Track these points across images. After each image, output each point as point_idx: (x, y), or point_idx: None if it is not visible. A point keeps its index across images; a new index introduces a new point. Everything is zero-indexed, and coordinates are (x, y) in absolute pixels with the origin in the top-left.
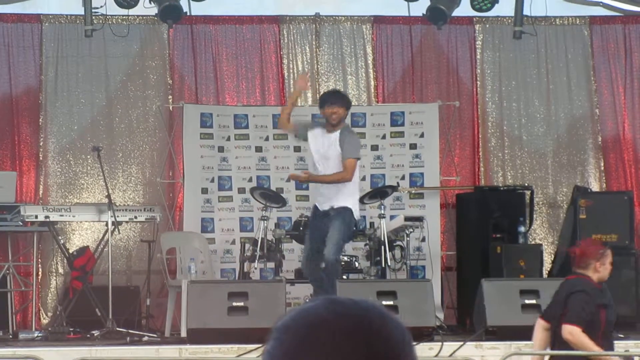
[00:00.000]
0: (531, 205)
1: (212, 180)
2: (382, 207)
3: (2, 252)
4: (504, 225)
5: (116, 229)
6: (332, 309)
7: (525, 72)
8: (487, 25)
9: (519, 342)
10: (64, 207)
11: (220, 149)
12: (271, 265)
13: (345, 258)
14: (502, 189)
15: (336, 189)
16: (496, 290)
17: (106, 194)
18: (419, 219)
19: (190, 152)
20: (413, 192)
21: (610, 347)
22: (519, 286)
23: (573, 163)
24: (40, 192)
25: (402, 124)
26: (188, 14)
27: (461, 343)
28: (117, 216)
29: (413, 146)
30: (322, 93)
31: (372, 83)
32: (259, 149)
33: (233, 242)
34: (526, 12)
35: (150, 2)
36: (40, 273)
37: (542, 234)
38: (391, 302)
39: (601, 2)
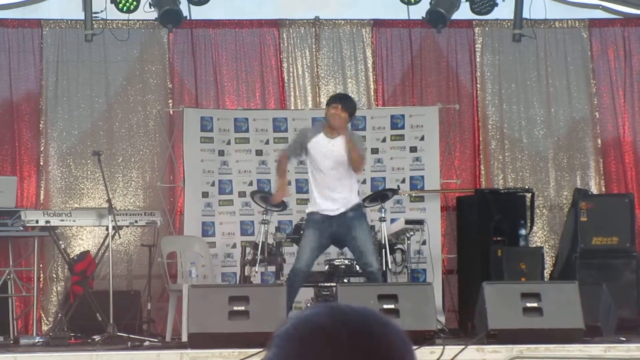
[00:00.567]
0: (532, 208)
1: (213, 184)
2: (383, 210)
3: (2, 257)
4: (505, 228)
5: (117, 234)
6: (333, 316)
7: (525, 75)
8: (487, 28)
9: (520, 346)
10: (64, 212)
11: (221, 153)
12: (272, 269)
13: (346, 262)
14: (502, 191)
15: (348, 190)
16: (497, 293)
17: (107, 198)
18: (420, 222)
19: (190, 156)
20: (413, 195)
21: None
22: (520, 289)
23: (573, 166)
24: (41, 197)
25: (402, 127)
26: (188, 18)
27: (462, 347)
28: (118, 221)
29: (413, 149)
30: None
31: (372, 86)
32: (259, 153)
33: (234, 246)
34: (525, 15)
35: (150, 7)
36: (41, 278)
37: (543, 236)
38: (392, 306)
39: (600, 5)
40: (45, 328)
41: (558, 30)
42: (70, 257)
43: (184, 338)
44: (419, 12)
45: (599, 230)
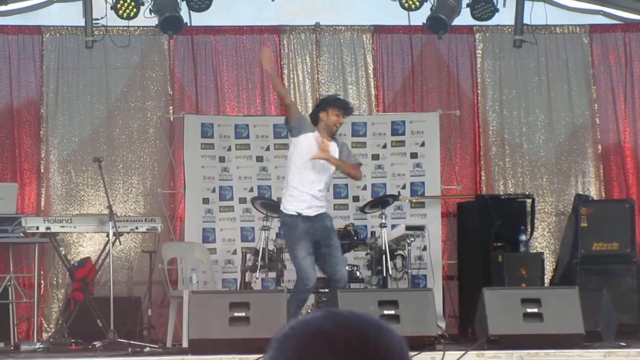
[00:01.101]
0: (532, 214)
1: (213, 191)
2: (383, 216)
3: (3, 264)
4: (505, 233)
5: (117, 240)
6: (331, 319)
7: (526, 81)
8: (488, 34)
9: (520, 351)
10: (65, 218)
11: (221, 159)
12: (272, 275)
13: (347, 267)
14: (503, 197)
15: (325, 193)
16: (498, 299)
17: (107, 205)
18: (420, 228)
19: (191, 163)
20: (414, 201)
21: None
22: (520, 295)
23: (574, 171)
24: (42, 204)
25: (403, 133)
26: (188, 24)
27: (463, 352)
28: (118, 227)
29: (414, 155)
30: (333, 95)
31: (373, 92)
32: (259, 159)
33: (234, 252)
34: (526, 20)
35: (150, 13)
36: (42, 284)
37: (543, 242)
38: (392, 312)
39: (601, 11)
40: (45, 334)
41: (559, 36)
42: (71, 263)
43: (185, 344)
44: (419, 18)
45: (599, 236)
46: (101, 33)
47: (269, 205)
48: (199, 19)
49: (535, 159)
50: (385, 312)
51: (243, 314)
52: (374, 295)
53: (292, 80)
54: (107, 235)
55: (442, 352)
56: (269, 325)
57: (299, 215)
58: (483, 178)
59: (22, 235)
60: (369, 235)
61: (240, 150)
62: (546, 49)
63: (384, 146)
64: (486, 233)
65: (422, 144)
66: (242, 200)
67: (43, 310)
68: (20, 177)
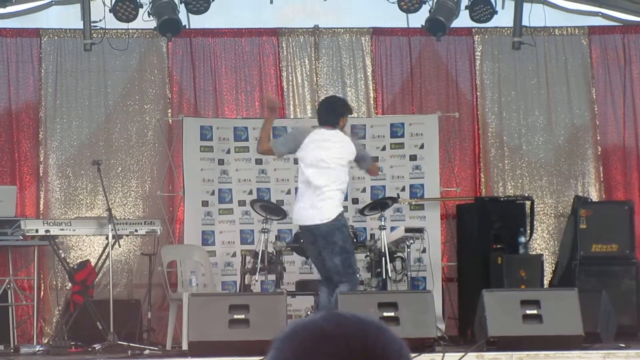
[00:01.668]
0: (532, 216)
1: (213, 193)
2: (383, 218)
3: (3, 267)
4: (505, 235)
5: (117, 243)
6: (331, 320)
7: (525, 83)
8: (486, 36)
9: (520, 353)
10: (64, 221)
11: (221, 162)
12: (272, 277)
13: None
14: (502, 199)
15: None
16: (497, 300)
17: (106, 208)
18: (420, 230)
19: (190, 165)
20: (413, 203)
21: None
22: (519, 297)
23: (573, 173)
24: (41, 207)
25: (402, 136)
26: (187, 27)
27: (462, 354)
28: (118, 230)
29: (413, 157)
30: (344, 100)
31: (372, 95)
32: (259, 162)
33: (234, 255)
34: (525, 22)
35: (149, 16)
36: (41, 287)
37: (542, 244)
38: (392, 314)
39: (600, 13)
40: (45, 337)
41: (558, 37)
42: (71, 266)
43: (185, 346)
44: (418, 20)
45: (598, 238)
46: (99, 36)
47: (269, 207)
48: (197, 22)
49: (534, 161)
50: (385, 314)
51: (242, 317)
52: (374, 297)
53: (290, 83)
54: (107, 238)
55: (441, 354)
56: (268, 327)
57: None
58: (482, 180)
59: (22, 238)
60: (368, 238)
61: (239, 152)
62: (545, 50)
63: (383, 148)
64: (485, 235)
65: (422, 146)
66: (242, 203)
67: (43, 313)
68: (19, 180)
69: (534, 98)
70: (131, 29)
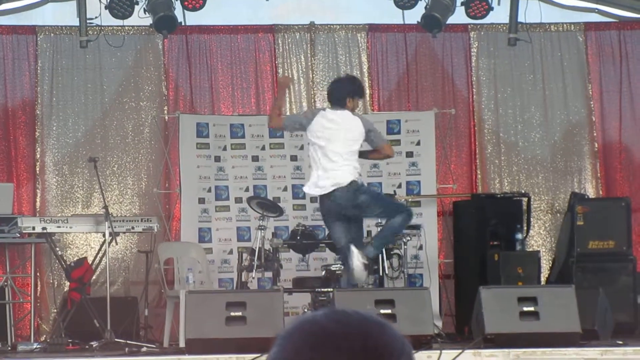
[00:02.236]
0: (528, 212)
1: (209, 190)
2: None
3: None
4: (501, 232)
5: (113, 240)
6: (333, 317)
7: (521, 79)
8: (482, 33)
9: (517, 350)
10: (61, 219)
11: (217, 159)
12: (269, 274)
13: (343, 267)
14: (499, 196)
15: None
16: (494, 297)
17: (103, 205)
18: (416, 227)
19: (186, 162)
20: (410, 200)
21: None
22: (516, 293)
23: (570, 169)
24: (38, 204)
25: (398, 132)
26: (183, 24)
27: (459, 351)
28: (114, 227)
29: (409, 154)
30: (353, 80)
31: (368, 91)
32: (255, 159)
33: (230, 252)
34: (521, 19)
35: (145, 13)
36: (38, 285)
37: (539, 240)
38: (389, 311)
39: (596, 9)
40: (43, 335)
41: (553, 33)
42: (67, 263)
43: (182, 344)
44: (414, 16)
45: (595, 234)
46: (95, 33)
47: (265, 204)
48: (193, 19)
49: (530, 157)
50: (382, 311)
51: (239, 314)
52: (371, 295)
53: None
54: (104, 236)
55: (438, 351)
56: (265, 324)
57: None
58: (479, 176)
59: (19, 235)
60: (365, 235)
61: (235, 149)
62: (541, 47)
63: None
64: (482, 232)
65: (418, 143)
66: (238, 200)
67: (40, 310)
68: (16, 178)
69: (530, 94)
70: (127, 26)
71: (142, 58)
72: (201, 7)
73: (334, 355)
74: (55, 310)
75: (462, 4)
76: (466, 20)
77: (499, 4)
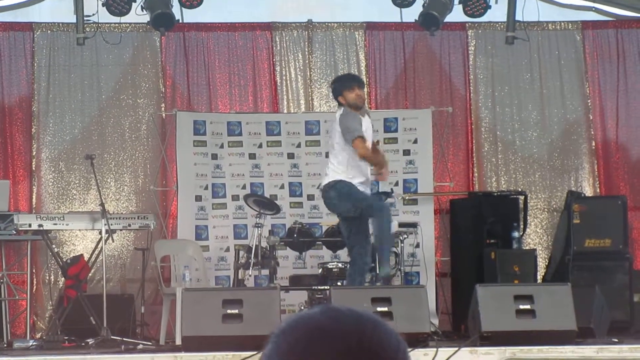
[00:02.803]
0: (525, 211)
1: (206, 188)
2: None
3: None
4: (498, 230)
5: (110, 237)
6: (328, 315)
7: (518, 77)
8: (480, 31)
9: (513, 348)
10: (57, 216)
11: (214, 156)
12: (265, 272)
13: (340, 265)
14: (496, 194)
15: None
16: (490, 295)
17: (99, 202)
18: (413, 225)
19: (183, 160)
20: (407, 198)
21: None
22: (513, 291)
23: (567, 168)
24: (34, 201)
25: (396, 130)
26: (180, 21)
27: (456, 349)
28: (111, 224)
29: (407, 152)
30: (348, 74)
31: (365, 89)
32: (252, 156)
33: (227, 250)
34: (518, 17)
35: (142, 10)
36: (35, 282)
37: (536, 239)
38: (385, 309)
39: (593, 7)
40: (39, 332)
41: (551, 32)
42: (64, 261)
43: (178, 341)
44: (411, 14)
45: (591, 233)
46: (92, 30)
47: (262, 202)
48: (190, 16)
49: (527, 156)
50: (379, 309)
51: (236, 311)
52: (367, 292)
53: (284, 78)
54: (100, 233)
55: (435, 349)
56: (262, 322)
57: None
58: (476, 175)
59: (15, 232)
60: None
61: (232, 147)
62: (538, 45)
63: (377, 143)
64: (479, 230)
65: (415, 141)
66: (235, 198)
67: (36, 307)
68: (12, 175)
69: (527, 93)
70: (124, 23)
71: (139, 55)
72: (199, 4)
73: (329, 353)
74: (51, 308)
75: (459, 2)
76: (464, 18)
77: (496, 2)
